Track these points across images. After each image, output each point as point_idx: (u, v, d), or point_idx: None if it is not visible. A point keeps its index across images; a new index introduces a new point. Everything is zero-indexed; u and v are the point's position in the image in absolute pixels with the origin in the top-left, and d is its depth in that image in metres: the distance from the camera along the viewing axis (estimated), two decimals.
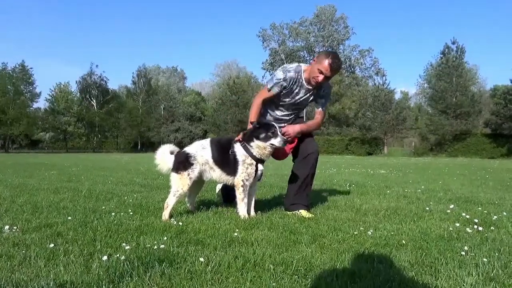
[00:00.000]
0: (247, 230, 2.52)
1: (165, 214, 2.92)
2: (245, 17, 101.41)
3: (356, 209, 3.57)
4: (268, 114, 3.56)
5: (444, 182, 6.91)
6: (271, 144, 3.00)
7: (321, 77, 3.20)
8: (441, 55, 36.80)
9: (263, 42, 67.46)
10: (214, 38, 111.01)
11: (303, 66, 3.37)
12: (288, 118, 3.57)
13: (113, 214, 2.99)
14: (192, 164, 3.06)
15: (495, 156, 32.13)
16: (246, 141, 3.08)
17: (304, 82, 3.32)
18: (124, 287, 1.48)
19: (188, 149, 3.22)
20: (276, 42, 66.89)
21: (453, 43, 36.48)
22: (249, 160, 3.05)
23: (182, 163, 3.08)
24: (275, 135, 3.00)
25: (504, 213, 3.28)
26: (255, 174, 3.09)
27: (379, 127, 38.41)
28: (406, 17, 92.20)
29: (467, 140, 34.91)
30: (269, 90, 3.39)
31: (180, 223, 2.68)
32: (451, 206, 3.66)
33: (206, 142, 3.25)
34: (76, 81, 56.07)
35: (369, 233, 2.48)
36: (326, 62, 3.17)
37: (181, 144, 45.05)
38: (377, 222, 2.90)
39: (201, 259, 1.80)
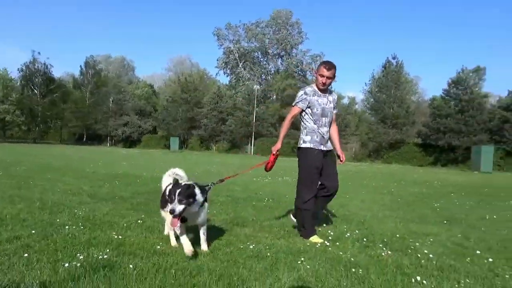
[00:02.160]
0: (167, 242, 3.53)
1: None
2: (201, 12, 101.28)
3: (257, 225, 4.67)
4: (318, 133, 4.16)
5: (351, 195, 8.29)
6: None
7: (324, 78, 4.06)
8: (383, 68, 39.78)
9: (217, 40, 67.88)
10: (167, 30, 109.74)
11: (312, 84, 4.26)
12: (328, 131, 4.26)
13: (66, 227, 3.85)
14: None
15: (423, 164, 35.48)
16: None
17: (319, 92, 4.16)
18: (81, 285, 2.43)
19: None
20: (231, 42, 67.60)
21: (393, 58, 39.65)
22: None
23: None
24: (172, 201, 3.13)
25: (348, 234, 4.51)
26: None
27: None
28: (357, 23, 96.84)
29: (401, 149, 38.19)
30: (295, 106, 4.20)
31: (120, 237, 3.63)
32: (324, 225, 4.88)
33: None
34: (18, 69, 53.20)
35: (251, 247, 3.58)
36: (322, 67, 4.11)
37: (129, 139, 44.52)
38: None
39: (131, 266, 2.79)
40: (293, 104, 4.25)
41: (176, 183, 3.21)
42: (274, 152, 4.24)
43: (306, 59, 66.99)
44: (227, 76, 70.12)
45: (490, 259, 3.50)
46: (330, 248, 3.66)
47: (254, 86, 48.90)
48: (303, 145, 4.20)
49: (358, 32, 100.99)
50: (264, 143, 46.17)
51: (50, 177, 8.78)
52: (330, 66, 4.10)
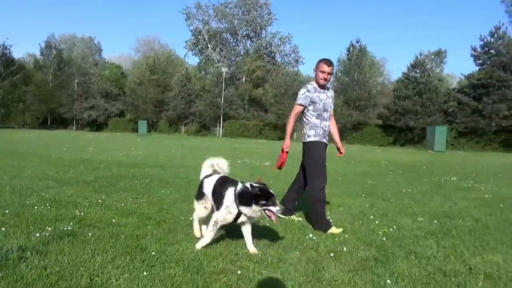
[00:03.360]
0: (122, 217, 4.33)
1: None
2: None
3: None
4: (321, 127, 4.40)
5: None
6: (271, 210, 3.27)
7: (325, 74, 4.29)
8: (347, 52, 41.05)
9: (186, 20, 67.07)
10: (135, 9, 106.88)
11: (312, 81, 4.44)
12: (328, 125, 4.52)
13: (35, 207, 4.57)
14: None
15: (384, 144, 37.39)
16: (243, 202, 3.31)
17: (319, 88, 4.39)
18: (50, 248, 3.20)
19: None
20: (200, 22, 66.97)
21: (357, 42, 40.90)
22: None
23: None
24: (274, 204, 3.27)
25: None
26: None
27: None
28: (325, 4, 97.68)
29: (363, 130, 39.94)
30: (300, 105, 4.40)
31: (82, 213, 4.39)
32: None
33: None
34: None
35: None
36: (322, 63, 4.33)
37: (96, 123, 44.09)
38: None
39: (90, 234, 3.58)
40: (297, 102, 4.43)
41: (259, 184, 3.34)
42: (286, 150, 4.40)
43: (276, 41, 67.51)
44: (196, 57, 69.91)
45: (377, 221, 4.52)
46: None
47: (222, 69, 49.11)
48: (308, 139, 4.40)
49: (326, 14, 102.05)
50: (232, 125, 46.92)
51: (17, 163, 9.27)
52: (330, 62, 4.39)
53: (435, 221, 4.74)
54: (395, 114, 36.22)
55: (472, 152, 31.27)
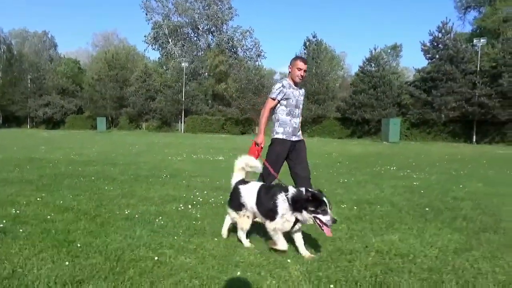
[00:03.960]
0: (58, 214, 4.49)
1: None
2: None
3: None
4: (290, 125, 4.43)
5: None
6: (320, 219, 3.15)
7: (302, 72, 4.36)
8: (303, 47, 41.84)
9: (146, 14, 65.80)
10: (91, 2, 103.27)
11: (287, 78, 4.47)
12: (298, 122, 4.56)
13: None
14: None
15: (342, 137, 38.62)
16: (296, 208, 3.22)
17: (293, 85, 4.42)
18: None
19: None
20: (160, 16, 65.90)
21: (313, 36, 41.77)
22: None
23: None
24: (324, 212, 3.13)
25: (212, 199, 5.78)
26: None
27: (252, 109, 42.20)
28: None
29: (322, 123, 41.04)
30: (274, 99, 4.37)
31: (18, 211, 4.51)
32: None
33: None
34: None
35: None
36: (298, 60, 4.39)
37: (52, 120, 42.40)
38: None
39: (21, 230, 3.74)
40: (270, 96, 4.41)
41: (317, 193, 3.22)
42: (261, 145, 4.36)
43: (237, 35, 67.59)
44: (157, 52, 68.76)
45: None
46: (183, 208, 4.85)
47: (183, 64, 48.69)
48: (276, 136, 4.44)
49: (287, 8, 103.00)
50: (194, 120, 46.71)
51: None
52: (305, 60, 4.53)
53: (355, 207, 5.21)
54: (352, 107, 37.43)
55: (424, 142, 33.00)
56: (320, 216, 3.12)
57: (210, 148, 18.26)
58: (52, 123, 52.51)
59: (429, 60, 36.41)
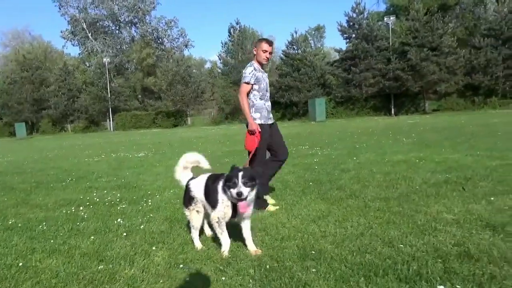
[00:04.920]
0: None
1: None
2: None
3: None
4: (265, 108, 4.44)
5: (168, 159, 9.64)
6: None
7: (267, 54, 4.36)
8: (228, 34, 41.93)
9: (59, 8, 61.80)
10: None
11: (253, 61, 4.42)
12: (270, 105, 4.56)
13: None
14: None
15: None
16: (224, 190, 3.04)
17: (260, 68, 4.43)
18: None
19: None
20: (75, 9, 62.16)
21: (237, 23, 41.97)
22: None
23: None
24: (234, 185, 2.91)
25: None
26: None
27: (180, 100, 41.73)
28: None
29: None
30: (248, 83, 4.29)
31: None
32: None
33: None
34: None
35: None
36: (263, 42, 4.37)
37: None
38: None
39: None
40: (245, 81, 4.31)
41: (233, 168, 3.01)
42: (258, 131, 4.28)
43: (161, 25, 65.76)
44: (78, 48, 65.03)
45: None
46: (73, 211, 4.86)
47: (104, 59, 46.55)
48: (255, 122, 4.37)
49: None
50: (123, 117, 45.16)
51: None
52: (271, 42, 4.43)
53: None
54: (279, 90, 38.39)
55: (348, 119, 34.88)
56: (231, 190, 2.91)
57: (134, 145, 17.90)
58: None
59: (347, 40, 38.25)
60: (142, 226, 3.97)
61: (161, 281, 2.65)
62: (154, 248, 3.29)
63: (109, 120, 45.64)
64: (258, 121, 4.37)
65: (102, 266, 2.96)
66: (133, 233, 3.78)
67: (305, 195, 4.88)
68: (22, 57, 48.23)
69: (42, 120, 47.65)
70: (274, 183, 5.72)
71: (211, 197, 3.13)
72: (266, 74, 4.60)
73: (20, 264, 3.10)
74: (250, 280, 2.55)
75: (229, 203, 3.02)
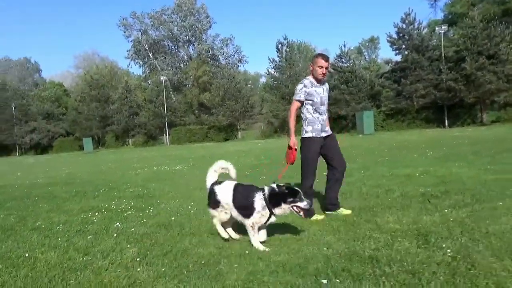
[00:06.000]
0: None
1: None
2: (102, 4, 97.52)
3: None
4: (318, 122, 4.63)
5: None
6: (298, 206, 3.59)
7: (324, 69, 4.50)
8: (276, 50, 42.90)
9: (124, 32, 66.89)
10: (69, 26, 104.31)
11: (308, 76, 4.66)
12: (326, 118, 4.75)
13: None
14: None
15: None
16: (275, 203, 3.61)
17: (315, 82, 4.60)
18: None
19: None
20: (138, 31, 66.90)
21: (285, 39, 42.83)
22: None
23: None
24: (301, 199, 3.60)
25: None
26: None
27: (231, 115, 43.25)
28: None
29: (300, 123, 42.02)
30: (298, 100, 4.57)
31: None
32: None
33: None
34: None
35: None
36: (320, 58, 4.54)
37: (40, 145, 42.94)
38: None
39: None
40: (295, 98, 4.59)
41: (287, 186, 3.67)
42: (295, 148, 4.53)
43: (217, 43, 68.63)
44: (139, 67, 69.82)
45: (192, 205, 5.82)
46: (89, 216, 5.72)
47: (161, 78, 49.61)
48: (306, 135, 4.62)
49: (266, 10, 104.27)
50: (179, 132, 47.61)
51: None
52: (327, 57, 4.61)
53: None
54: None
55: (398, 131, 33.93)
56: (298, 203, 3.57)
57: (179, 158, 19.12)
58: (40, 148, 53.33)
59: (396, 51, 37.50)
60: (132, 229, 4.70)
61: (119, 270, 3.31)
62: (128, 246, 3.98)
63: (166, 135, 48.35)
64: (310, 134, 4.61)
65: (83, 258, 3.69)
66: (121, 234, 4.51)
67: None
68: (90, 77, 52.88)
69: (107, 135, 51.69)
70: None
71: (244, 205, 3.70)
72: (325, 87, 4.74)
73: (27, 255, 3.93)
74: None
75: (266, 213, 3.63)
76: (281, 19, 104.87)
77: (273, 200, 3.59)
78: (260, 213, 3.60)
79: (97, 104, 50.55)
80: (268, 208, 3.59)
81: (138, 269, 3.28)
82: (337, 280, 2.68)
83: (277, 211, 3.61)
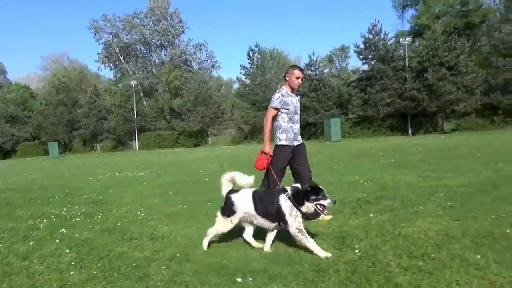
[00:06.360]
0: None
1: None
2: (72, 6, 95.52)
3: None
4: (292, 131, 4.78)
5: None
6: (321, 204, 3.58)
7: (300, 80, 4.74)
8: (248, 57, 43.32)
9: (95, 34, 65.64)
10: (38, 26, 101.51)
11: (283, 86, 4.82)
12: (299, 127, 4.91)
13: None
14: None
15: None
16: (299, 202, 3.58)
17: (290, 92, 4.77)
18: None
19: None
20: (109, 34, 65.83)
21: (256, 46, 43.33)
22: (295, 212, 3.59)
23: None
24: (325, 197, 3.60)
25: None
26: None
27: (201, 121, 43.25)
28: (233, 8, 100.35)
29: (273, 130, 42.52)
30: (275, 108, 4.69)
31: None
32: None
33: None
34: None
35: None
36: (296, 70, 4.77)
37: (2, 150, 41.22)
38: None
39: None
40: (272, 106, 4.72)
41: (310, 185, 3.70)
42: (269, 154, 4.68)
43: (190, 48, 68.43)
44: (110, 70, 68.69)
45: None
46: (36, 222, 5.76)
47: (131, 82, 49.02)
48: (280, 143, 4.76)
49: (238, 18, 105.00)
50: (148, 137, 47.09)
51: None
52: (302, 68, 4.93)
53: None
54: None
55: (364, 138, 34.93)
56: (322, 201, 3.56)
57: (144, 164, 19.04)
58: (3, 153, 51.40)
59: (363, 61, 38.64)
60: (76, 235, 4.81)
61: (53, 274, 3.44)
62: (68, 251, 4.11)
63: (135, 140, 47.74)
64: (284, 142, 4.75)
65: (21, 263, 3.80)
66: (64, 240, 4.62)
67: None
68: (57, 80, 51.60)
69: (74, 140, 50.47)
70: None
71: (269, 211, 3.63)
72: (297, 98, 4.94)
73: None
74: None
75: (296, 212, 3.56)
76: (256, 26, 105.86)
77: (298, 199, 3.57)
78: (293, 215, 3.54)
79: (64, 108, 49.26)
80: (296, 207, 3.55)
81: (72, 273, 3.43)
82: (250, 279, 2.94)
83: (302, 209, 3.58)
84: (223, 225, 3.78)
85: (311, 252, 3.38)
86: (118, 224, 5.21)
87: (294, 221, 3.51)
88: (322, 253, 3.33)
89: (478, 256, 3.06)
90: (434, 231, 3.80)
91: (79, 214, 6.25)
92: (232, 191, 3.87)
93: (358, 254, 3.30)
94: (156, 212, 5.95)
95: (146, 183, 10.35)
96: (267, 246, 3.71)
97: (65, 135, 49.39)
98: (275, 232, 3.75)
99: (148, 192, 8.37)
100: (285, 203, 3.57)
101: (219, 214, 3.85)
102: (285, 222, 3.54)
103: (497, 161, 9.09)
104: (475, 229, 3.83)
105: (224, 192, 3.88)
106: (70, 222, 5.67)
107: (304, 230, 3.50)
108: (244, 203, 3.72)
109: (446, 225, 4.03)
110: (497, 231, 3.72)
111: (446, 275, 2.76)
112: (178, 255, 3.67)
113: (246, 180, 3.88)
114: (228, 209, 3.77)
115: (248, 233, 3.89)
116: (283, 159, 4.74)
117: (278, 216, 3.57)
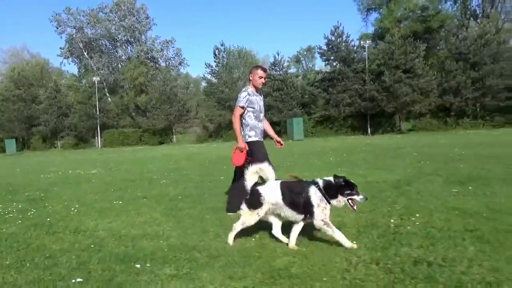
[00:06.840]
0: None
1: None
2: None
3: None
4: (258, 128, 5.03)
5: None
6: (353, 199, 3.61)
7: (263, 79, 4.97)
8: (213, 55, 43.46)
9: (57, 28, 63.61)
10: None
11: (248, 86, 5.03)
12: (262, 126, 5.14)
13: None
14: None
15: None
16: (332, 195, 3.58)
17: (255, 92, 5.00)
18: None
19: None
20: (72, 28, 63.96)
21: (222, 45, 43.54)
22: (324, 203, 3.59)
23: None
24: (358, 193, 3.62)
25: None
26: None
27: (166, 119, 43.02)
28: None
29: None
30: (242, 107, 4.89)
31: None
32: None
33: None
34: None
35: None
36: (259, 69, 4.99)
37: None
38: None
39: None
40: (239, 105, 4.92)
41: (344, 179, 3.63)
42: (245, 150, 4.87)
43: (156, 45, 67.53)
44: (75, 65, 66.81)
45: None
46: None
47: (94, 78, 48.00)
48: (250, 139, 4.96)
49: (207, 16, 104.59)
50: (111, 135, 46.31)
51: None
52: (265, 69, 5.14)
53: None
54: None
55: (326, 137, 35.87)
56: (355, 196, 3.60)
57: (100, 162, 18.89)
58: None
59: (326, 62, 39.63)
60: (3, 230, 4.95)
61: None
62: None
63: (97, 137, 46.80)
64: (254, 138, 4.98)
65: None
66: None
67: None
68: (16, 74, 49.78)
69: (34, 137, 48.86)
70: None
71: (298, 202, 3.62)
72: (261, 97, 5.18)
73: None
74: None
75: (325, 204, 3.57)
76: (226, 26, 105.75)
77: (330, 192, 3.57)
78: (321, 206, 3.55)
79: (23, 103, 47.59)
80: (326, 199, 3.57)
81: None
82: (148, 265, 3.26)
83: (332, 202, 3.60)
84: (249, 218, 3.75)
85: (337, 242, 3.54)
86: (48, 219, 5.37)
87: (321, 213, 3.54)
88: (348, 243, 3.47)
89: (354, 242, 3.51)
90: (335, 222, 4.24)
91: (14, 210, 6.33)
92: (257, 183, 3.87)
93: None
94: (90, 208, 6.13)
95: (95, 181, 10.41)
96: (291, 242, 3.68)
97: (23, 132, 47.73)
98: (300, 227, 3.72)
99: (92, 189, 8.49)
100: (314, 194, 3.58)
101: (244, 207, 3.81)
102: (312, 214, 3.56)
103: (426, 160, 9.82)
104: (366, 219, 4.32)
105: (249, 185, 3.82)
106: (3, 218, 5.77)
107: (329, 222, 3.55)
108: (272, 194, 3.70)
109: (345, 215, 4.50)
110: (382, 221, 4.22)
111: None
112: (92, 246, 3.93)
113: (271, 172, 3.86)
114: (254, 202, 3.74)
115: (276, 229, 3.85)
116: (262, 151, 4.92)
117: (305, 207, 3.58)
